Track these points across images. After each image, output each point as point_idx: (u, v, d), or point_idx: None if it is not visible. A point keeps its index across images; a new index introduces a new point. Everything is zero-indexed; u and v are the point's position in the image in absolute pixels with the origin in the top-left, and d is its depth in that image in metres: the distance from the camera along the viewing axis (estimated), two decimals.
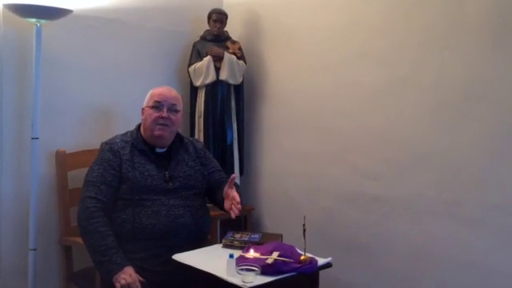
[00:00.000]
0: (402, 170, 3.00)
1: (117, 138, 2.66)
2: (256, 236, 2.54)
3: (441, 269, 2.86)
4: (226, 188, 2.51)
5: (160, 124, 2.59)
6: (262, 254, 2.25)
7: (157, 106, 2.62)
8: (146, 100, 2.69)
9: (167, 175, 2.58)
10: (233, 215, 2.41)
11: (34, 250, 2.96)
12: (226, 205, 2.49)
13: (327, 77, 3.36)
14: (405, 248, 3.00)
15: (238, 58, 3.65)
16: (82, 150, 3.16)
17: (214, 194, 2.73)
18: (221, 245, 2.52)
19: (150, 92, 2.70)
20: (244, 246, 2.41)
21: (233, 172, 3.61)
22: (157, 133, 2.60)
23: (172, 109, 2.63)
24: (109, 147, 2.60)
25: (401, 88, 3.00)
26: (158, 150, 2.65)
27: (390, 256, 3.07)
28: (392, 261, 3.06)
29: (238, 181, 3.54)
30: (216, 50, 3.59)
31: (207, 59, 3.58)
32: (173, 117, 2.63)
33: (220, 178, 2.77)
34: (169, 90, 2.68)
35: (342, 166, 3.30)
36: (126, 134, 2.70)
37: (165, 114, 2.60)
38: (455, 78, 2.75)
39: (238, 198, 2.42)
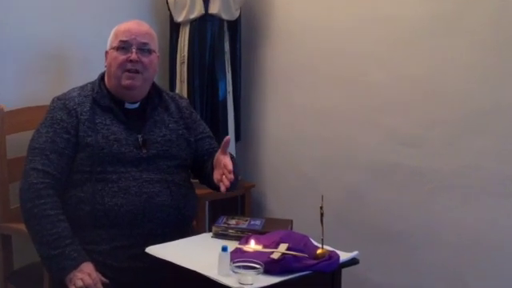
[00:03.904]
0: (452, 135, 3.02)
1: (73, 91, 2.68)
2: (257, 222, 2.56)
3: (502, 266, 2.87)
4: (217, 154, 2.54)
5: (128, 70, 2.60)
6: (265, 247, 2.26)
7: (123, 46, 2.62)
8: (110, 40, 2.69)
9: (140, 140, 2.61)
10: (222, 188, 2.42)
11: None
12: (216, 175, 2.51)
13: (351, 9, 3.37)
14: (454, 238, 3.02)
15: None
16: (25, 107, 3.16)
17: (201, 168, 2.77)
18: (210, 234, 2.53)
19: (114, 29, 2.70)
20: (241, 236, 2.42)
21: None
22: (125, 82, 2.61)
23: (143, 48, 2.63)
24: (62, 104, 2.61)
25: (450, 25, 3.00)
26: (128, 106, 2.68)
27: (434, 249, 3.10)
28: (437, 255, 3.08)
29: (233, 149, 3.61)
30: None
31: None
32: (145, 59, 2.63)
33: (211, 147, 2.82)
34: (138, 25, 2.68)
35: (371, 129, 3.31)
36: (85, 86, 2.71)
37: (134, 56, 2.60)
38: None
39: (230, 166, 2.44)
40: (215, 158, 2.55)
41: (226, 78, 3.70)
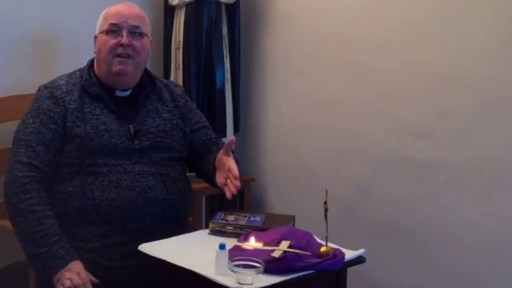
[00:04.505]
0: (464, 125, 3.02)
1: (61, 79, 2.67)
2: (257, 218, 2.56)
3: None
4: (220, 154, 2.54)
5: (119, 56, 2.60)
6: (265, 245, 2.26)
7: (113, 29, 2.62)
8: (99, 24, 2.68)
9: (132, 130, 2.61)
10: (228, 194, 2.45)
11: None
12: (219, 178, 2.53)
13: None
14: (467, 235, 3.02)
15: None
16: (10, 96, 3.17)
17: (198, 161, 2.77)
18: (207, 230, 2.52)
19: (104, 12, 2.69)
20: (240, 233, 2.42)
21: (223, 128, 3.66)
22: (116, 68, 2.61)
23: (134, 32, 2.63)
24: (49, 92, 2.61)
25: (463, 9, 2.99)
26: (119, 94, 2.68)
27: (445, 247, 3.10)
28: (449, 253, 3.09)
29: (230, 137, 3.53)
30: None
31: None
32: (136, 43, 2.62)
33: (208, 138, 2.82)
34: (129, 7, 2.67)
35: (378, 119, 3.32)
36: (73, 73, 2.71)
37: (125, 40, 2.59)
38: None
39: (235, 172, 2.45)
40: (218, 158, 2.55)
41: (224, 64, 3.70)
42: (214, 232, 2.49)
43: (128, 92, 2.68)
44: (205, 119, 2.87)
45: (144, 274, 2.40)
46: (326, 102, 3.53)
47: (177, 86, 2.91)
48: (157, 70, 3.63)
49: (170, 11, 3.68)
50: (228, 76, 3.72)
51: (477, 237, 2.98)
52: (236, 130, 3.81)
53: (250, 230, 2.40)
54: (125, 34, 2.59)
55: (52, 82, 2.65)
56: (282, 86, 3.76)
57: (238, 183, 2.44)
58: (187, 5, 3.60)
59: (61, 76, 2.69)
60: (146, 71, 2.73)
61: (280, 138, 3.80)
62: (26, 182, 2.44)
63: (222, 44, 3.69)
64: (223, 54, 3.69)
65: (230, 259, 2.10)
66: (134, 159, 2.57)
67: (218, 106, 3.68)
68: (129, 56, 2.60)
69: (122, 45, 2.58)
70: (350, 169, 3.43)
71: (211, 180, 2.64)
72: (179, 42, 3.62)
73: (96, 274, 2.40)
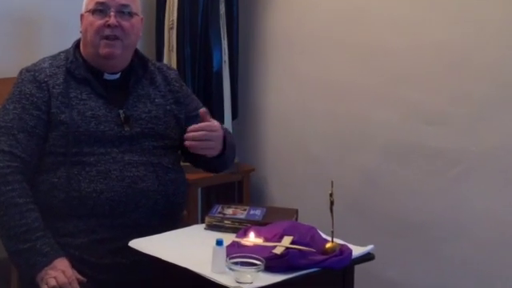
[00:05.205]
0: (481, 111, 3.01)
1: (44, 61, 2.67)
2: (257, 212, 2.57)
3: None
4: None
5: (107, 37, 2.59)
6: (266, 240, 2.26)
7: (100, 8, 2.61)
8: (85, 1, 2.67)
9: (122, 116, 2.61)
10: (187, 143, 2.54)
11: None
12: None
13: None
14: (484, 230, 3.02)
15: None
16: None
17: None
18: (203, 225, 2.54)
19: None
20: (239, 228, 2.42)
21: (220, 114, 3.65)
22: (103, 51, 2.60)
23: (123, 11, 2.62)
24: (31, 76, 2.61)
25: None
26: (108, 77, 2.68)
27: (461, 242, 3.10)
28: (465, 250, 3.09)
29: (229, 127, 3.62)
30: None
31: None
32: (125, 23, 2.61)
33: None
34: None
35: (390, 105, 3.32)
36: (57, 55, 2.70)
37: (112, 21, 2.58)
38: None
39: (201, 125, 2.57)
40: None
41: (222, 45, 3.69)
42: (210, 227, 2.50)
43: (117, 75, 2.68)
44: (201, 105, 2.86)
45: (134, 272, 2.41)
46: (331, 85, 3.53)
47: (170, 69, 2.91)
48: (148, 52, 3.60)
49: None
50: (226, 58, 3.72)
51: (495, 232, 2.98)
52: (234, 116, 3.81)
53: (249, 225, 2.40)
54: (112, 13, 2.58)
55: (35, 65, 2.65)
56: (284, 68, 3.76)
57: (196, 134, 2.54)
58: None
59: (44, 58, 2.68)
60: (136, 53, 2.73)
61: (282, 124, 3.80)
62: (6, 173, 2.44)
63: (219, 23, 3.68)
64: (220, 34, 3.69)
65: (227, 256, 2.10)
66: (123, 147, 2.57)
67: (215, 90, 3.68)
68: (117, 38, 2.59)
69: (109, 26, 2.57)
70: (357, 158, 3.44)
71: (210, 167, 2.72)
72: (173, 21, 3.62)
73: (83, 271, 2.39)
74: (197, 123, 2.74)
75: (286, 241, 2.22)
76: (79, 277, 2.36)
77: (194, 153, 2.73)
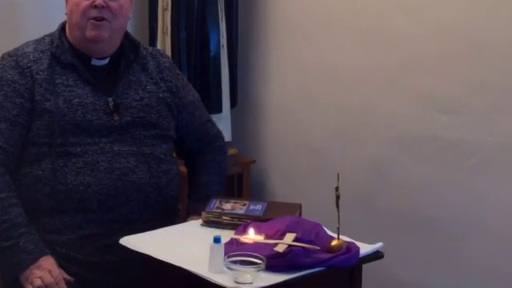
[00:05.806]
0: (501, 99, 3.02)
1: (27, 46, 2.68)
2: (258, 207, 2.56)
3: None
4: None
5: (94, 18, 2.58)
6: (267, 238, 2.26)
7: None
8: None
9: (111, 104, 2.62)
10: None
11: None
12: None
13: None
14: (505, 226, 3.03)
15: None
16: None
17: (188, 149, 2.85)
18: (200, 221, 2.54)
19: None
20: (238, 224, 2.43)
21: (218, 103, 3.69)
22: (90, 33, 2.60)
23: None
24: (13, 61, 2.62)
25: None
26: (96, 63, 2.68)
27: (480, 239, 3.11)
28: (484, 247, 3.09)
29: (227, 116, 3.68)
30: None
31: None
32: (113, 4, 2.60)
33: (201, 121, 2.87)
34: None
35: (400, 93, 3.33)
36: (42, 39, 2.71)
37: (99, 1, 2.57)
38: None
39: None
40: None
41: (219, 28, 3.71)
42: (207, 223, 2.50)
43: (106, 60, 2.68)
44: (198, 96, 2.88)
45: (125, 271, 2.43)
46: (336, 72, 3.54)
47: (164, 56, 2.91)
48: (140, 35, 3.63)
49: None
50: (224, 42, 3.73)
51: None
52: (233, 104, 3.82)
53: (249, 221, 2.41)
54: None
55: (17, 50, 2.65)
56: (286, 53, 3.76)
57: None
58: None
59: (28, 42, 2.69)
60: (126, 36, 2.74)
61: (284, 113, 3.80)
62: None
63: (217, 5, 3.69)
64: (218, 17, 3.70)
65: (225, 254, 2.10)
66: (112, 137, 2.58)
67: (213, 76, 3.68)
68: (104, 19, 2.58)
69: (96, 6, 2.56)
70: (364, 149, 3.44)
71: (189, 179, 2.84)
72: (167, 2, 3.62)
73: (70, 270, 2.41)
74: (191, 118, 2.80)
75: (289, 238, 2.21)
76: (66, 276, 2.38)
77: (188, 153, 2.81)
